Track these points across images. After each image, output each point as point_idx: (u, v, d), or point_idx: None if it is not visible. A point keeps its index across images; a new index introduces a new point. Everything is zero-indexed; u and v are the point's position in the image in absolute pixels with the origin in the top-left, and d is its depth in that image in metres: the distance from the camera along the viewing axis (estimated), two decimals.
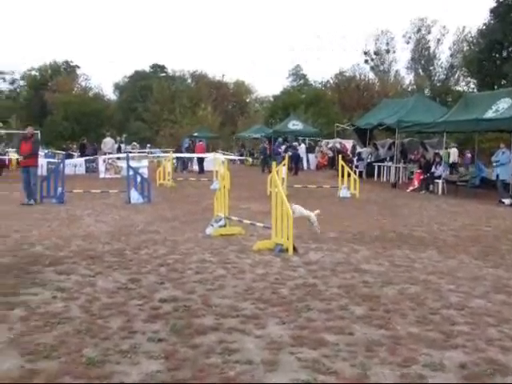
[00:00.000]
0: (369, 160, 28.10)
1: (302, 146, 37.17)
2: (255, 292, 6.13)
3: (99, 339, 4.61)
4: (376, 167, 26.61)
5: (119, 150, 37.53)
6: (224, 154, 35.34)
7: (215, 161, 23.30)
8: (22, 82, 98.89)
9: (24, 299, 5.73)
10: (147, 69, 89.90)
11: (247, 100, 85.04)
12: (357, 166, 27.34)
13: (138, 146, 46.25)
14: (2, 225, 10.92)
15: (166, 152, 33.57)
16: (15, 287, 6.19)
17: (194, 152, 33.65)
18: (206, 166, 30.30)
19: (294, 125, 39.61)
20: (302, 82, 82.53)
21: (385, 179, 25.28)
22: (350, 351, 4.41)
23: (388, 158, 26.33)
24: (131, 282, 6.48)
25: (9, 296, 5.83)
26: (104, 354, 4.30)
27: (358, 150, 31.51)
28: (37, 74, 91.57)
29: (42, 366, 4.07)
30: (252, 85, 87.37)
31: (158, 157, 33.17)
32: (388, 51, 62.21)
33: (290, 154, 27.33)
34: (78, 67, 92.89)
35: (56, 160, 27.84)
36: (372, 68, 62.83)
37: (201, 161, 31.22)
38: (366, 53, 62.19)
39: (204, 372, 3.98)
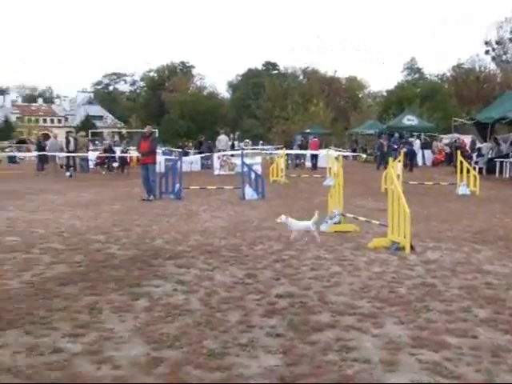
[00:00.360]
0: (489, 156, 26.78)
1: (417, 141, 36.12)
2: (372, 290, 6.03)
3: (219, 332, 4.73)
4: (497, 163, 25.31)
5: (233, 147, 38.33)
6: (336, 150, 35.08)
7: (328, 157, 23.18)
8: (141, 83, 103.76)
9: (147, 290, 6.00)
10: (260, 66, 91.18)
11: (360, 95, 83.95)
12: (476, 162, 26.16)
13: (250, 143, 46.99)
14: (125, 219, 11.49)
15: (279, 149, 33.83)
16: (139, 279, 6.50)
17: (306, 149, 33.69)
18: (319, 163, 30.26)
19: (409, 120, 38.54)
20: (417, 75, 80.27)
21: (507, 176, 23.96)
22: (474, 355, 4.22)
23: (511, 154, 24.95)
24: (248, 277, 6.59)
25: (133, 287, 6.13)
26: (224, 346, 4.40)
27: (478, 145, 30.13)
28: (155, 75, 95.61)
29: (166, 354, 4.24)
30: (365, 80, 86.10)
31: (271, 153, 33.50)
32: None
33: (404, 150, 26.62)
34: (194, 67, 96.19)
35: (173, 157, 28.87)
36: (493, 58, 59.80)
37: (314, 157, 31.20)
38: (487, 42, 59.30)
39: (322, 368, 3.97)
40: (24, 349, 4.33)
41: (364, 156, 38.27)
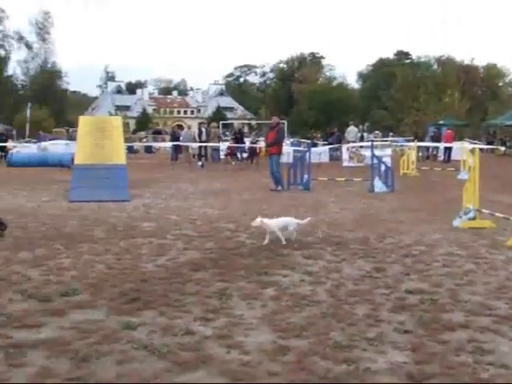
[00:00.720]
0: None
1: None
2: (510, 291, 5.68)
3: (346, 324, 4.69)
4: None
5: (362, 138, 37.78)
6: (472, 142, 33.44)
7: (463, 150, 22.17)
8: (271, 75, 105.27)
9: (275, 279, 6.08)
10: (391, 56, 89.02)
11: (500, 84, 79.34)
12: None
13: (380, 134, 46.06)
14: (254, 209, 11.69)
15: (410, 140, 32.85)
16: (267, 267, 6.59)
17: (439, 141, 32.45)
18: (452, 155, 29.06)
19: None
20: None
21: None
22: None
23: None
24: (376, 271, 6.47)
25: (262, 275, 6.24)
26: (350, 339, 4.36)
27: None
28: (285, 66, 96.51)
29: (292, 343, 4.26)
30: (506, 67, 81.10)
31: (401, 145, 32.63)
32: None
33: None
34: (323, 58, 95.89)
35: (302, 148, 28.97)
36: None
37: (447, 149, 30.00)
38: None
39: (453, 369, 3.81)
40: (159, 329, 4.56)
41: (502, 149, 36.14)
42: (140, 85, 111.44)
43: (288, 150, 26.22)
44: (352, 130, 33.79)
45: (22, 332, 4.46)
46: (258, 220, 7.95)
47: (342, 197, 14.03)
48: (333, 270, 6.51)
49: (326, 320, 4.80)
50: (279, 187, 15.64)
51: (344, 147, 28.35)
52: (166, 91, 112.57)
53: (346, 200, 13.39)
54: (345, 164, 26.60)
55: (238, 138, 29.41)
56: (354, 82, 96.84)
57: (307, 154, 17.17)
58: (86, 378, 3.66)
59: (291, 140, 37.50)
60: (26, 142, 40.16)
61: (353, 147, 27.85)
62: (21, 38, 79.46)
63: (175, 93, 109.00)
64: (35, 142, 35.97)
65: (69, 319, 4.78)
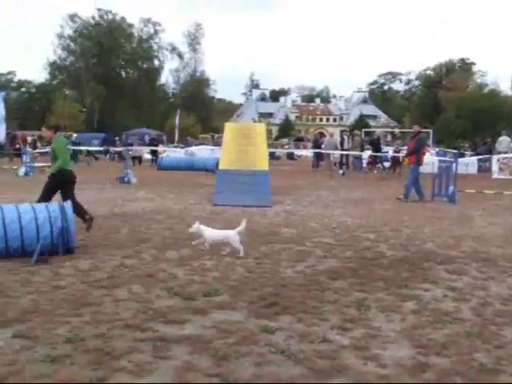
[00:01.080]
0: None
1: None
2: None
3: (492, 346, 4.43)
4: None
5: None
6: None
7: None
8: (416, 82, 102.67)
9: (416, 293, 5.89)
10: None
11: None
12: None
13: None
14: (395, 219, 11.44)
15: None
16: (407, 280, 6.41)
17: None
18: None
19: None
20: None
21: None
22: None
23: None
24: None
25: (402, 288, 6.07)
26: (497, 362, 4.11)
27: None
28: (431, 73, 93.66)
29: (432, 361, 4.11)
30: None
31: None
32: None
33: None
34: (474, 64, 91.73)
35: (447, 158, 27.87)
36: None
37: None
38: None
39: None
40: (296, 334, 4.60)
41: None
42: (283, 92, 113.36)
43: (433, 159, 25.35)
44: (504, 140, 31.87)
45: (167, 327, 4.71)
46: (195, 226, 7.63)
47: (490, 210, 13.30)
48: (478, 288, 6.18)
49: (470, 339, 4.57)
50: (401, 196, 15.07)
51: (494, 158, 26.88)
52: (309, 98, 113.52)
53: (494, 214, 12.66)
54: (495, 176, 25.21)
55: (376, 144, 28.91)
56: (507, 89, 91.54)
57: (453, 164, 16.46)
58: (226, 375, 3.78)
59: (436, 149, 36.14)
60: (175, 146, 42.47)
61: (504, 158, 26.31)
62: (173, 49, 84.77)
63: (318, 100, 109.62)
64: (183, 147, 37.89)
65: (210, 318, 4.96)
